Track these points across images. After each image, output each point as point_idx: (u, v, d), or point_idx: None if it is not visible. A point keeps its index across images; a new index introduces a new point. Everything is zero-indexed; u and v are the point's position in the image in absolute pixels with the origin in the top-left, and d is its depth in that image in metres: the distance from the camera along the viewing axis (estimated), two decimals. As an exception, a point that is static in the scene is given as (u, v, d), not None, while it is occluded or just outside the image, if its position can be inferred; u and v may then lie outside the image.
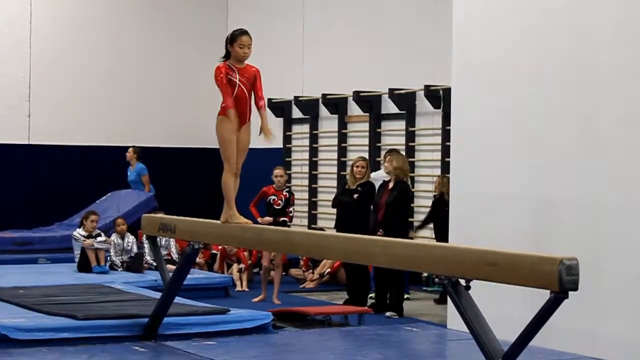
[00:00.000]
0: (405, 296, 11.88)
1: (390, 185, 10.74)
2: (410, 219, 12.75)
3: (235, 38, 7.03)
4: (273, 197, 11.23)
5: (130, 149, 15.53)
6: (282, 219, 11.10)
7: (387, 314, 10.57)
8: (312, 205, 15.54)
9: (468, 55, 9.16)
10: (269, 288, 11.48)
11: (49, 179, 16.34)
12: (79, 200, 15.13)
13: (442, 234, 11.23)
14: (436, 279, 5.35)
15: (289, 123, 16.28)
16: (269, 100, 15.85)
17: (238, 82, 7.01)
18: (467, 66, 9.16)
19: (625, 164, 7.61)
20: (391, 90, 13.73)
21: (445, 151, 12.29)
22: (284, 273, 12.13)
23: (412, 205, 12.40)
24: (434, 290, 12.20)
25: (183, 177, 16.14)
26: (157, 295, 8.93)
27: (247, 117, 7.07)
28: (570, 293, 4.71)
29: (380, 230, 10.47)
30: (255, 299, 11.22)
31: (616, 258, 7.63)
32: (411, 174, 12.77)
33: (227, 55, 7.07)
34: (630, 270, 7.53)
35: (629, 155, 7.58)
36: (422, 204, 12.49)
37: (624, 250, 7.59)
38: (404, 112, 13.76)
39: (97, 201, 15.29)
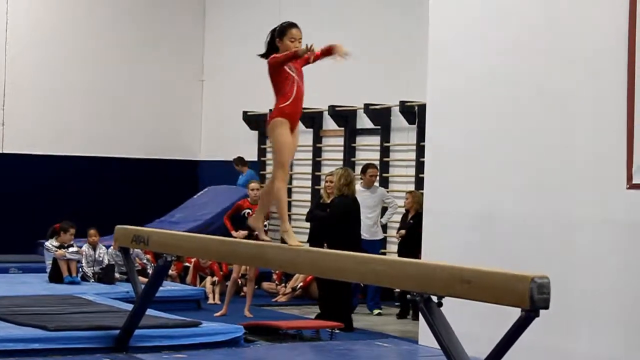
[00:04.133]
0: (377, 311, 11.91)
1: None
2: (385, 234, 12.82)
3: (285, 31, 6.16)
4: (248, 210, 11.21)
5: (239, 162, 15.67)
6: (256, 232, 11.03)
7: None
8: (286, 218, 15.50)
9: (443, 72, 9.20)
10: (241, 301, 11.44)
11: (21, 188, 16.23)
12: (53, 211, 15.02)
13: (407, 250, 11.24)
14: (408, 295, 5.35)
15: (263, 136, 16.25)
16: (244, 112, 15.90)
17: (296, 79, 6.21)
18: (442, 83, 9.20)
19: (596, 182, 7.66)
20: (366, 106, 13.76)
21: (420, 167, 12.32)
22: (256, 286, 12.10)
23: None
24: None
25: (160, 189, 16.09)
26: (129, 307, 8.89)
27: (299, 117, 6.31)
28: (542, 311, 4.72)
29: (325, 244, 10.48)
30: (217, 314, 11.09)
31: (588, 275, 7.67)
32: (385, 189, 12.80)
33: (269, 53, 6.14)
34: (602, 287, 7.57)
35: (599, 174, 7.63)
36: (396, 220, 12.50)
37: (596, 267, 7.64)
38: (379, 127, 13.79)
39: (195, 196, 15.64)
